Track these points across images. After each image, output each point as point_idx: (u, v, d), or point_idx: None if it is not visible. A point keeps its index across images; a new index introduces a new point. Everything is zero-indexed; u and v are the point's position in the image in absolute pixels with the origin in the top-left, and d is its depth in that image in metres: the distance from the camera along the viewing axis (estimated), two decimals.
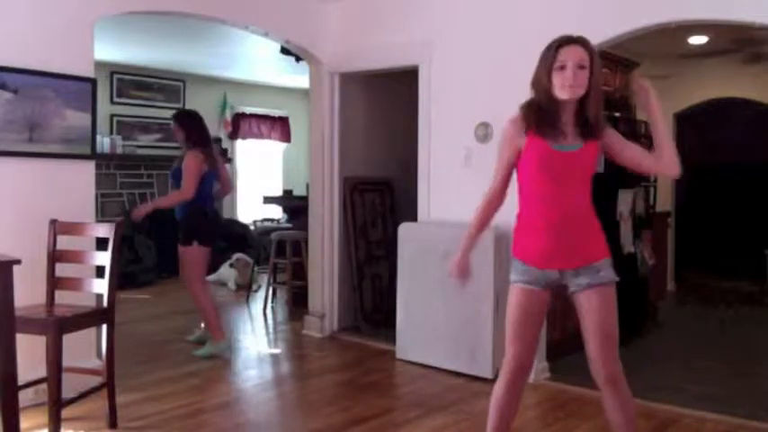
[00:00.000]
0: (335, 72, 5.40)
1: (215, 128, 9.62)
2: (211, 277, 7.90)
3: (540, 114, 2.43)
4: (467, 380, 4.22)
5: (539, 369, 4.25)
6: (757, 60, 6.72)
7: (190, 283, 4.79)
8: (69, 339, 3.19)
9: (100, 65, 4.55)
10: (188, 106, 9.19)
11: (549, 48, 2.40)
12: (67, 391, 3.21)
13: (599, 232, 2.54)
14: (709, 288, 7.67)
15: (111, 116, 8.40)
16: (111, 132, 8.30)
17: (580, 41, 2.38)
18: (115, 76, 8.49)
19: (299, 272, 6.26)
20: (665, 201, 7.14)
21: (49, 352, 3.09)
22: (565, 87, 2.34)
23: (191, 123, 4.92)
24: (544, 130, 2.41)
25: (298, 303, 6.13)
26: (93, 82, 3.97)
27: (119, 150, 8.15)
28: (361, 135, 5.65)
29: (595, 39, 3.97)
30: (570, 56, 2.33)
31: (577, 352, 4.85)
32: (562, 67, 2.34)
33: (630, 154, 2.52)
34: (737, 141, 8.67)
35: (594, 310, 2.47)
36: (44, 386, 3.16)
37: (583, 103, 2.40)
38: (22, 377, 2.96)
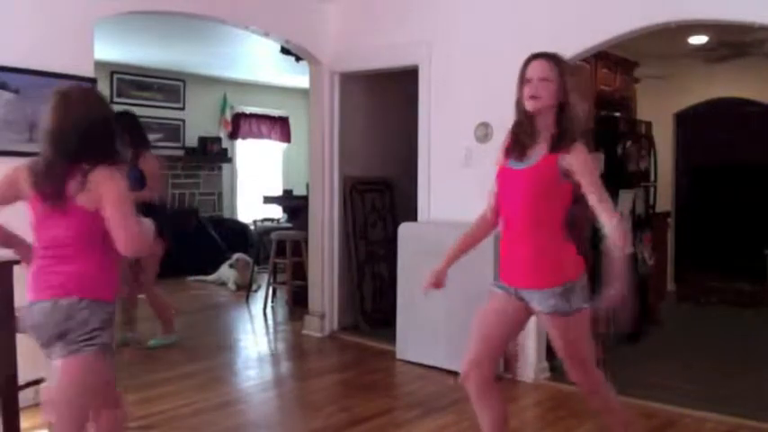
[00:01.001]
0: (335, 72, 5.40)
1: (215, 128, 9.64)
2: (211, 277, 7.93)
3: (512, 134, 2.52)
4: None
5: (538, 369, 4.25)
6: (757, 60, 6.72)
7: (150, 285, 4.92)
8: None
9: (100, 65, 4.55)
10: (188, 106, 9.24)
11: (522, 66, 2.50)
12: None
13: (556, 257, 2.43)
14: (709, 288, 7.65)
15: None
16: None
17: (545, 56, 2.48)
18: (115, 76, 8.49)
19: (299, 272, 6.26)
20: (665, 201, 7.14)
21: None
22: (527, 99, 2.43)
23: (134, 124, 4.89)
24: (510, 149, 2.51)
25: (298, 303, 6.13)
26: (93, 82, 3.96)
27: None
28: (361, 135, 5.65)
29: (596, 38, 4.01)
30: (535, 70, 2.44)
31: None
32: (529, 81, 2.44)
33: (584, 190, 2.38)
34: (737, 141, 8.64)
35: (552, 335, 2.51)
36: (44, 386, 3.16)
37: (558, 116, 2.44)
38: (22, 377, 2.96)
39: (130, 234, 2.15)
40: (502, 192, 2.53)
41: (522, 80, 2.46)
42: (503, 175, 2.52)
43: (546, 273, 2.42)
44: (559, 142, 2.40)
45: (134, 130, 4.86)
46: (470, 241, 2.70)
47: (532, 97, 2.41)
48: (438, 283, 2.68)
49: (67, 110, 2.23)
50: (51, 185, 2.17)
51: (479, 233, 2.69)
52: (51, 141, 2.22)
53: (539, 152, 2.43)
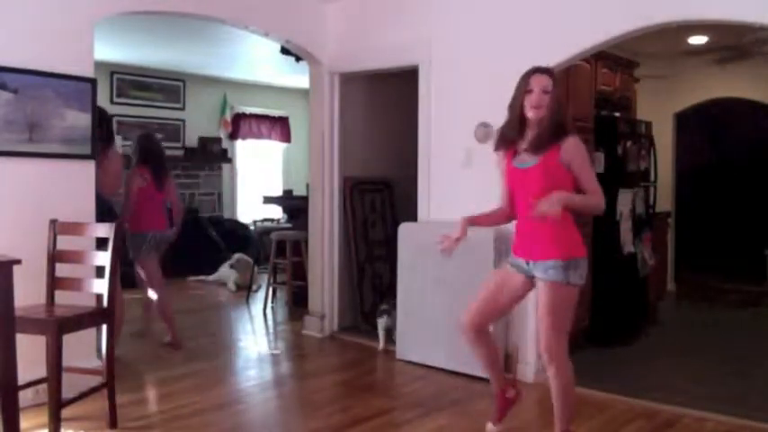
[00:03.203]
0: (335, 72, 5.40)
1: (215, 128, 9.64)
2: (212, 277, 7.93)
3: (503, 135, 2.97)
4: (467, 380, 4.21)
5: (539, 369, 4.25)
6: (757, 60, 6.72)
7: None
8: (69, 339, 3.18)
9: (100, 65, 4.55)
10: (188, 106, 9.25)
11: (522, 77, 2.88)
12: (67, 391, 3.21)
13: (566, 236, 2.83)
14: (710, 288, 7.66)
15: (111, 116, 8.38)
16: None
17: (545, 71, 2.88)
18: (115, 76, 8.49)
19: (299, 272, 6.26)
20: (665, 201, 7.14)
21: (49, 352, 3.08)
22: (532, 107, 2.81)
23: (104, 120, 4.77)
24: (503, 148, 2.99)
25: (298, 303, 6.13)
26: (93, 82, 3.96)
27: (119, 150, 8.13)
28: (361, 135, 5.65)
29: (596, 38, 4.01)
30: (539, 83, 2.82)
31: (577, 352, 4.87)
32: (530, 91, 2.82)
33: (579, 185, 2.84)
34: (737, 141, 8.67)
35: (542, 301, 2.86)
36: (44, 386, 3.16)
37: (551, 118, 2.82)
38: (22, 377, 2.96)
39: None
40: (515, 189, 2.94)
41: (524, 89, 2.83)
42: (513, 175, 2.93)
43: (555, 248, 2.81)
44: (555, 138, 2.79)
45: (102, 126, 4.74)
46: (489, 219, 3.11)
47: (537, 107, 2.79)
48: (451, 249, 3.02)
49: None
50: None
51: (498, 218, 3.11)
52: (156, 159, 5.13)
53: (529, 153, 2.85)
